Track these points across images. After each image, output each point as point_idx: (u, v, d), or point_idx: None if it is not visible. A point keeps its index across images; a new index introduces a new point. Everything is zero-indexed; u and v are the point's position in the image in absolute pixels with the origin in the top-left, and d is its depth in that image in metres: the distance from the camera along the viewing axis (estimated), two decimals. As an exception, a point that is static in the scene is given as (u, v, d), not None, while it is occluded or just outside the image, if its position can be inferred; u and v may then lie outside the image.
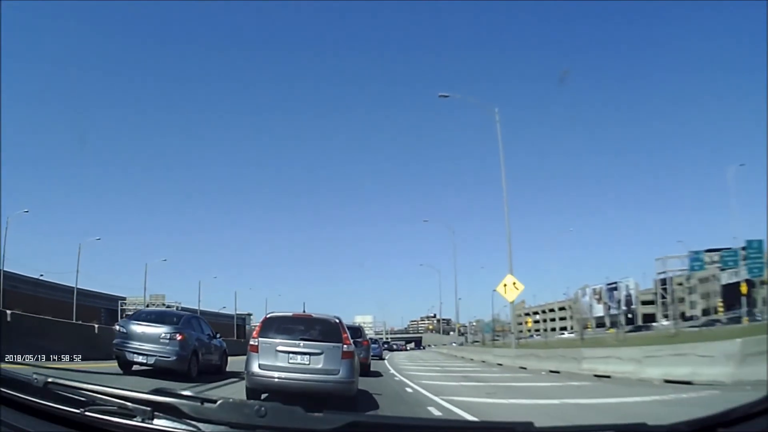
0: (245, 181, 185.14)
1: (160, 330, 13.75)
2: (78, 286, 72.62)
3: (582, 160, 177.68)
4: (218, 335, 17.47)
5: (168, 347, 13.50)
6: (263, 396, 9.60)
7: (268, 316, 10.35)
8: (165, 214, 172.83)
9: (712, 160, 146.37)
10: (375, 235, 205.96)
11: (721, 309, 77.59)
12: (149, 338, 13.58)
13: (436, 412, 9.92)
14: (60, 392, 2.14)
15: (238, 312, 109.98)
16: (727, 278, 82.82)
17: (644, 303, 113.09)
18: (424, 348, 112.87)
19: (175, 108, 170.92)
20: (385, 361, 34.81)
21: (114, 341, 14.09)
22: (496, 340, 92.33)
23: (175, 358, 13.48)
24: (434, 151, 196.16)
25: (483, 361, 33.33)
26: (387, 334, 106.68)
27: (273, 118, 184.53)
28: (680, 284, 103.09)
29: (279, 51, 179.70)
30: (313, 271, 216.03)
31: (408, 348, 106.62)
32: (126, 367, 13.85)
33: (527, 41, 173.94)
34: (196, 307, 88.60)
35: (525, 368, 23.64)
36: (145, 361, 13.49)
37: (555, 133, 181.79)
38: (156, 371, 13.46)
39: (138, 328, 13.89)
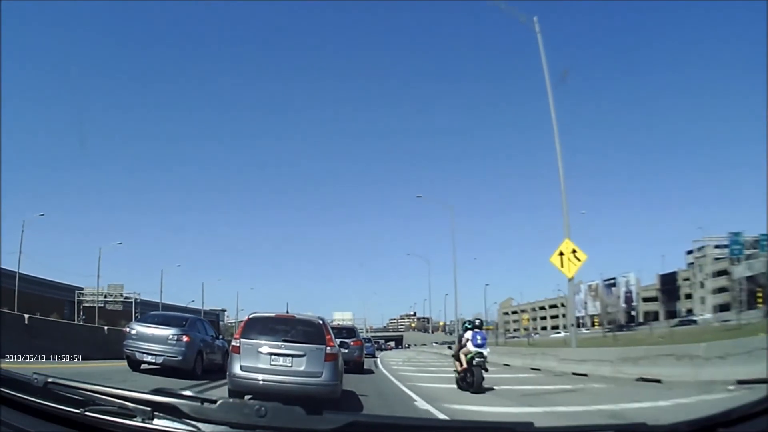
0: (213, 165, 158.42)
1: (168, 332, 13.72)
2: (36, 276, 62.53)
3: (577, 154, 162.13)
4: (221, 336, 17.41)
5: (175, 348, 13.48)
6: (246, 397, 8.82)
7: (250, 316, 9.47)
8: (121, 192, 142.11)
9: (715, 158, 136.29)
10: (356, 228, 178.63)
11: (760, 300, 62.91)
12: (158, 339, 13.56)
13: None
14: (60, 392, 2.02)
15: (211, 307, 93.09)
16: (740, 272, 69.19)
17: (646, 300, 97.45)
18: (408, 347, 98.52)
19: (144, 89, 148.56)
20: (379, 363, 27.25)
21: (124, 342, 14.04)
22: None
23: (181, 357, 13.47)
24: (424, 138, 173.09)
25: (536, 369, 19.64)
26: (367, 332, 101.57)
27: (246, 106, 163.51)
28: (687, 279, 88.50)
29: (265, 38, 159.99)
30: (289, 264, 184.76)
31: (390, 347, 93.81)
32: (135, 366, 13.80)
33: (548, 33, 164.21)
34: (158, 300, 75.31)
35: (659, 381, 12.12)
36: (153, 361, 13.48)
37: (550, 128, 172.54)
38: (164, 370, 13.45)
39: (147, 330, 13.86)
